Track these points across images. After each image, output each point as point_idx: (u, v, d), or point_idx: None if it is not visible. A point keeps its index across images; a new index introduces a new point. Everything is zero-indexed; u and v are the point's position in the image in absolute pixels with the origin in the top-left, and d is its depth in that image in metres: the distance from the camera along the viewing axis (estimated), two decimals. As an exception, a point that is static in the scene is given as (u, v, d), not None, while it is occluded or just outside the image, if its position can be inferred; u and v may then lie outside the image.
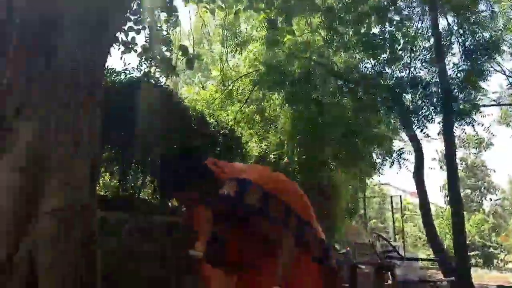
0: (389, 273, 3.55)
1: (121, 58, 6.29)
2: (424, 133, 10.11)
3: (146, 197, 8.77)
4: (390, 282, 3.65)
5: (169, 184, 2.08)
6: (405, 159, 10.98)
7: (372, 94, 9.37)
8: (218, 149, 9.30)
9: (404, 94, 10.12)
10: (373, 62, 9.93)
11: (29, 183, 2.47)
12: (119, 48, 5.89)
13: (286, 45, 9.59)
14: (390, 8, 9.07)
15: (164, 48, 6.21)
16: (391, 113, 10.12)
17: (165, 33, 6.54)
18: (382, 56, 9.42)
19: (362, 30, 8.89)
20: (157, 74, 7.71)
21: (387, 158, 11.34)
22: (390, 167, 11.09)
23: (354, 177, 15.44)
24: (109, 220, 7.17)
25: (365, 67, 10.38)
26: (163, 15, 6.46)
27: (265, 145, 11.99)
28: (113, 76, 7.93)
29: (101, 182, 7.41)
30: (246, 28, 11.50)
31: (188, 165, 1.95)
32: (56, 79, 2.71)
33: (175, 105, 6.50)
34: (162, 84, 8.13)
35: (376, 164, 11.52)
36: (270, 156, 11.70)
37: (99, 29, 2.97)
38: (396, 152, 11.17)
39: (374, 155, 11.85)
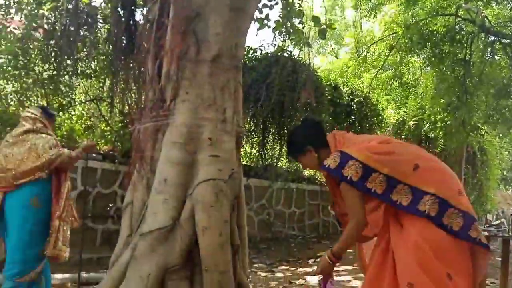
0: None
1: (256, 34, 6.58)
2: None
3: (283, 166, 9.21)
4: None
5: (290, 151, 2.40)
6: None
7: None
8: (353, 118, 9.22)
9: None
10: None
11: (187, 156, 2.89)
12: (254, 25, 6.16)
13: (427, 2, 8.84)
14: None
15: (297, 21, 6.30)
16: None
17: (297, 5, 6.61)
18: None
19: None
20: (291, 48, 7.86)
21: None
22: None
23: (510, 141, 13.75)
24: (252, 187, 7.80)
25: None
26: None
27: (403, 111, 11.42)
28: (250, 53, 8.38)
29: (242, 152, 8.00)
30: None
31: (307, 134, 2.16)
32: (204, 63, 3.05)
33: (308, 77, 6.62)
34: (295, 56, 8.29)
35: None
36: (410, 122, 11.12)
37: (238, 13, 3.21)
38: None
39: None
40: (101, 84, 6.71)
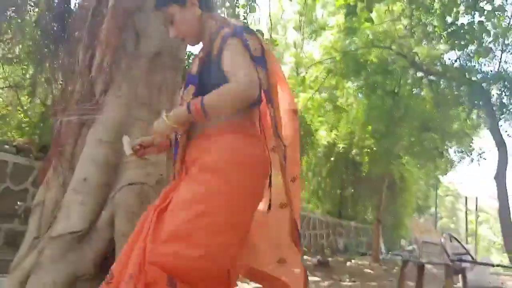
0: (460, 276, 3.37)
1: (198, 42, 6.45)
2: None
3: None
4: (459, 285, 3.47)
5: None
6: (484, 159, 10.30)
7: (455, 87, 8.81)
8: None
9: (490, 89, 9.40)
10: (458, 53, 9.29)
11: (112, 156, 2.66)
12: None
13: (365, 33, 9.27)
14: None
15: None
16: (474, 108, 9.45)
17: (242, 17, 6.61)
18: (469, 48, 8.77)
19: (449, 20, 8.32)
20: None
21: (465, 156, 10.68)
22: (468, 165, 10.43)
23: (428, 173, 14.74)
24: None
25: (449, 58, 9.77)
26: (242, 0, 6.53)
27: (335, 134, 11.80)
28: (190, 59, 8.20)
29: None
30: (323, 15, 11.28)
31: None
32: (142, 58, 2.86)
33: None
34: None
35: (453, 162, 10.88)
36: (340, 145, 11.50)
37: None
38: (475, 151, 10.48)
39: (451, 151, 11.22)
40: (23, 71, 6.17)
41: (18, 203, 5.42)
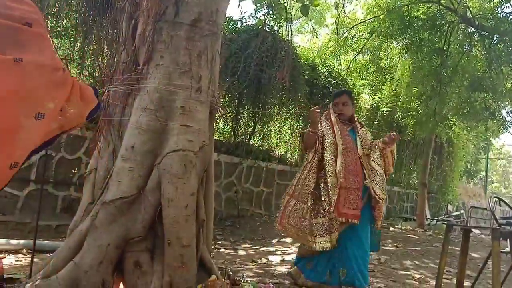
0: (508, 240, 3.28)
1: (238, 6, 6.38)
2: None
3: (255, 144, 9.13)
4: (508, 249, 3.38)
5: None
6: (540, 119, 9.66)
7: (509, 43, 8.21)
8: (328, 100, 9.20)
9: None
10: (513, 5, 8.62)
11: (157, 123, 2.74)
12: (237, -4, 5.96)
13: (411, -12, 8.78)
14: None
15: (280, -5, 6.14)
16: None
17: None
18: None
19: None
20: (272, 22, 7.69)
21: (519, 116, 10.09)
22: (521, 127, 9.83)
23: (478, 135, 14.12)
24: (222, 162, 7.70)
25: (503, 11, 9.07)
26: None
27: (378, 97, 11.49)
28: (230, 24, 8.14)
29: (215, 126, 7.86)
30: (366, -29, 10.75)
31: None
32: (181, 27, 2.88)
33: (288, 54, 6.50)
34: (276, 32, 8.12)
35: (505, 123, 10.32)
36: (383, 108, 11.21)
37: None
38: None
39: (504, 112, 10.63)
40: (71, 44, 6.36)
41: (73, 171, 5.74)
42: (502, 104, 9.99)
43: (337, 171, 3.30)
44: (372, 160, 3.53)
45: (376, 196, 3.37)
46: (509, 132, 10.96)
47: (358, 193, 3.32)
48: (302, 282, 3.46)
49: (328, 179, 3.30)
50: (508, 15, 8.24)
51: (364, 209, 3.36)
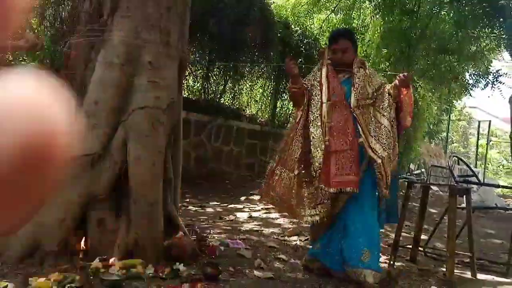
0: (464, 197, 3.46)
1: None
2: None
3: (226, 103, 9.06)
4: (463, 205, 3.58)
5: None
6: (501, 83, 9.96)
7: (477, 6, 8.29)
8: (300, 59, 9.15)
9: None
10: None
11: (123, 79, 2.66)
12: None
13: None
14: None
15: None
16: (495, 28, 8.93)
17: None
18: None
19: None
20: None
21: (481, 79, 10.34)
22: (482, 89, 10.13)
23: (441, 97, 14.51)
24: (191, 121, 7.63)
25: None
26: None
27: (348, 57, 11.49)
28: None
29: (185, 84, 7.70)
30: None
31: None
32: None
33: (260, 10, 6.35)
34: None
35: (468, 86, 10.62)
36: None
37: None
38: (492, 74, 10.11)
39: (467, 75, 10.89)
40: (30, -8, 5.97)
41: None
42: (466, 67, 10.25)
43: (322, 131, 2.78)
44: (377, 110, 2.86)
45: (372, 154, 2.74)
46: (470, 94, 11.27)
47: (352, 154, 2.75)
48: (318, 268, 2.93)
49: (312, 142, 2.80)
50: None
51: (367, 174, 2.80)
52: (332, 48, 2.97)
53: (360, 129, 2.78)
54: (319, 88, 2.89)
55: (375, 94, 2.89)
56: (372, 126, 2.82)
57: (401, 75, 2.90)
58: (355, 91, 2.84)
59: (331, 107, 2.82)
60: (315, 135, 2.80)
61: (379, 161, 2.73)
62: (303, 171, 2.84)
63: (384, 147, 2.76)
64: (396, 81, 2.88)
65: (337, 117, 2.82)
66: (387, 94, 2.89)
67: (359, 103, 2.82)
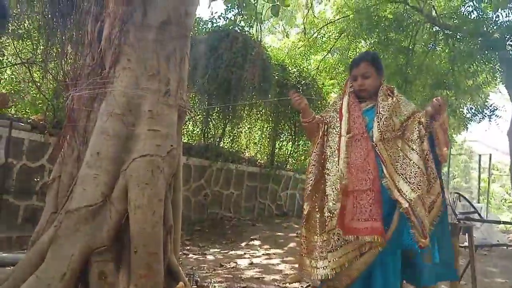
0: (466, 234, 3.36)
1: (208, 6, 6.34)
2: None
3: (225, 146, 9.09)
4: (466, 244, 3.49)
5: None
6: (497, 116, 10.03)
7: (471, 41, 8.49)
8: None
9: (506, 40, 9.02)
10: (475, 4, 8.84)
11: (124, 128, 2.68)
12: (207, -4, 5.92)
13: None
14: None
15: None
16: (489, 62, 9.10)
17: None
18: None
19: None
20: (242, 23, 7.67)
21: (478, 113, 10.41)
22: (478, 123, 10.19)
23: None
24: (191, 166, 7.62)
25: (467, 11, 9.30)
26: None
27: (347, 96, 11.63)
28: (200, 25, 8.07)
29: (184, 129, 7.77)
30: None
31: None
32: (149, 29, 2.83)
33: (257, 54, 6.50)
34: (247, 32, 8.09)
35: (466, 119, 10.68)
36: (352, 107, 11.36)
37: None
38: (488, 108, 10.19)
39: (464, 109, 10.98)
40: (34, 46, 6.14)
41: (36, 179, 5.50)
42: (464, 101, 10.36)
43: (339, 169, 2.40)
44: (406, 143, 2.43)
45: (401, 198, 2.28)
46: (467, 129, 11.33)
47: (373, 196, 2.31)
48: None
49: (328, 181, 2.44)
50: (470, 13, 8.52)
51: (387, 222, 2.31)
52: (352, 74, 2.68)
53: (383, 166, 2.38)
54: (338, 119, 2.58)
55: (403, 125, 2.48)
56: (400, 162, 2.38)
57: (434, 99, 2.43)
58: (378, 122, 2.46)
59: (350, 141, 2.47)
60: (331, 171, 2.46)
61: (406, 205, 2.25)
62: (317, 214, 2.46)
63: (413, 188, 2.28)
64: (429, 107, 2.44)
65: (357, 152, 2.43)
66: (417, 124, 2.45)
67: (382, 136, 2.43)
